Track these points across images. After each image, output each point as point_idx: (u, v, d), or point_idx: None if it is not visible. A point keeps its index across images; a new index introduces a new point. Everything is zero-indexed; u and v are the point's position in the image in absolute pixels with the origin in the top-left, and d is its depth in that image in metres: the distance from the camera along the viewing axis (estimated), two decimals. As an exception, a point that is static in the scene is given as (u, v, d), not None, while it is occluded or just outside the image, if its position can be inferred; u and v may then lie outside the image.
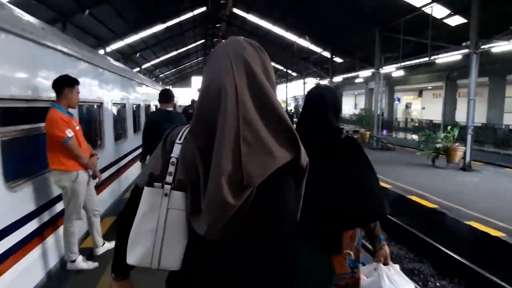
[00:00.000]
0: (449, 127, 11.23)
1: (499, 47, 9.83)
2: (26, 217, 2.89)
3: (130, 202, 1.00)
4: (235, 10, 20.32)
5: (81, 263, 3.31)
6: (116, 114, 6.28)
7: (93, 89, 4.82)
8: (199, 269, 0.91)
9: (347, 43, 18.51)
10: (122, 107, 6.74)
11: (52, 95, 3.10)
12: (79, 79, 3.28)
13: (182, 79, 45.68)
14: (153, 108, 9.93)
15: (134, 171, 7.36)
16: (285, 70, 28.65)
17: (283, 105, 27.96)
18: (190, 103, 12.40)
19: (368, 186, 1.66)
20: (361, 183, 1.65)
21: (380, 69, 15.11)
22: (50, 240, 3.28)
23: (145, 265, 0.90)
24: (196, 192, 0.87)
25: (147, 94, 9.67)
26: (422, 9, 11.95)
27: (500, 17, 10.53)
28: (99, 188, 4.54)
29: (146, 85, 9.91)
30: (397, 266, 1.83)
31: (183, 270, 0.91)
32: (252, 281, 0.89)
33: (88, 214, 3.52)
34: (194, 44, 28.93)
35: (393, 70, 15.84)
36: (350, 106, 36.62)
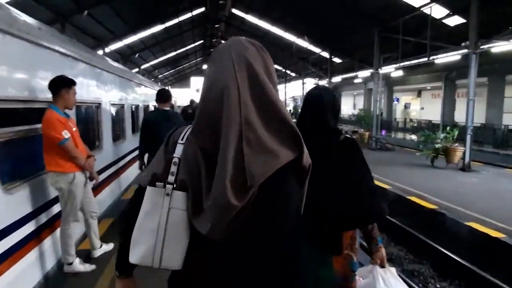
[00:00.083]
0: (448, 128, 11.23)
1: (499, 47, 9.83)
2: (22, 219, 2.86)
3: (134, 201, 1.01)
4: (234, 11, 20.32)
5: (78, 265, 3.27)
6: (114, 114, 6.25)
7: (91, 89, 4.79)
8: (200, 268, 0.92)
9: (346, 44, 18.52)
10: (120, 108, 6.71)
11: (49, 96, 3.07)
12: (77, 80, 3.26)
13: (181, 80, 45.64)
14: (152, 109, 9.90)
15: (132, 172, 7.33)
16: (284, 70, 28.65)
17: (282, 105, 27.87)
18: (189, 103, 12.37)
19: (366, 187, 1.67)
20: (359, 184, 1.66)
21: (379, 69, 15.11)
22: (47, 242, 3.24)
23: (147, 264, 0.90)
24: (198, 192, 0.87)
25: (145, 94, 9.64)
26: (421, 9, 11.96)
27: (499, 17, 10.55)
28: (97, 189, 4.52)
29: (145, 86, 9.89)
30: (393, 269, 1.82)
31: (184, 270, 0.92)
32: (253, 281, 0.89)
33: (85, 216, 3.49)
34: (193, 45, 28.92)
35: (392, 70, 15.84)
36: (349, 106, 36.64)
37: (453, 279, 4.93)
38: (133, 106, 7.92)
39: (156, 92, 4.78)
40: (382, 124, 18.29)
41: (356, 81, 23.00)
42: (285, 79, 29.59)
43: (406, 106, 30.10)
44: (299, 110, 1.97)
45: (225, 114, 0.85)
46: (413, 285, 4.50)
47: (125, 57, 20.14)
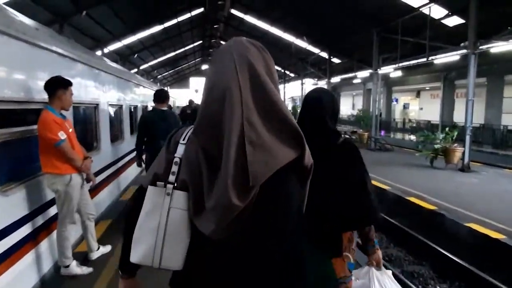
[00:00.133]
0: (447, 128, 11.22)
1: (498, 47, 9.82)
2: (18, 221, 2.83)
3: (136, 201, 1.02)
4: (233, 11, 20.30)
5: (75, 268, 3.24)
6: (112, 115, 6.22)
7: (88, 90, 4.76)
8: (201, 268, 0.92)
9: (345, 44, 18.52)
10: (118, 109, 6.68)
11: (45, 96, 3.04)
12: (74, 80, 3.23)
13: (180, 80, 45.60)
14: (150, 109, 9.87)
15: (131, 173, 7.30)
16: (283, 71, 28.64)
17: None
18: (187, 104, 12.33)
19: (365, 188, 1.69)
20: (358, 185, 1.68)
21: (378, 69, 15.11)
22: (43, 244, 3.21)
23: (147, 263, 0.91)
24: (199, 192, 0.87)
25: (144, 95, 9.61)
26: (420, 9, 11.96)
27: (498, 17, 10.54)
28: (95, 190, 4.49)
29: (144, 86, 9.85)
30: (389, 272, 1.84)
31: (185, 270, 0.92)
32: (254, 281, 0.89)
33: (82, 218, 3.45)
34: (192, 45, 28.90)
35: (391, 70, 15.84)
36: (348, 106, 36.69)
37: (453, 280, 4.91)
38: (132, 107, 7.89)
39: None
40: (381, 125, 18.27)
41: (355, 81, 23.00)
42: (284, 79, 29.58)
43: (405, 107, 30.15)
44: (298, 110, 1.98)
45: (227, 115, 0.85)
46: (413, 286, 4.48)
47: (124, 57, 20.11)
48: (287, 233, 0.90)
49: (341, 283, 1.73)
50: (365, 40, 15.21)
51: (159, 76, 36.08)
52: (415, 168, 10.46)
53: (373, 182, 8.31)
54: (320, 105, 1.76)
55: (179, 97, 27.81)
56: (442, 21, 12.50)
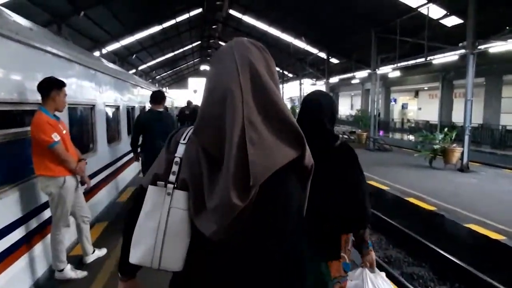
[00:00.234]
0: (446, 129, 11.20)
1: (496, 47, 9.82)
2: (12, 224, 2.78)
3: (135, 201, 1.01)
4: (231, 12, 20.27)
5: (70, 272, 3.18)
6: (109, 116, 6.17)
7: (84, 91, 4.71)
8: (201, 269, 0.91)
9: (343, 44, 18.52)
10: (115, 109, 6.63)
11: (39, 97, 2.99)
12: (70, 81, 3.18)
13: (179, 81, 45.56)
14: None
15: (129, 174, 7.25)
16: (281, 71, 28.63)
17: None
18: (186, 104, 12.29)
19: (362, 189, 1.73)
20: (356, 186, 1.72)
21: (376, 70, 15.10)
22: (37, 248, 3.16)
23: (146, 264, 0.91)
24: (199, 192, 0.87)
25: (142, 96, 9.56)
26: (418, 9, 11.95)
27: (496, 17, 10.53)
28: (91, 192, 4.45)
29: (141, 87, 9.80)
30: (383, 273, 1.87)
31: (185, 271, 0.91)
32: (254, 281, 0.89)
33: (77, 221, 3.40)
34: (190, 46, 28.88)
35: (390, 71, 15.83)
36: (346, 107, 36.70)
37: (453, 282, 4.87)
38: (129, 108, 7.84)
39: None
40: (380, 125, 18.25)
41: (353, 81, 22.97)
42: (283, 80, 29.57)
43: (404, 107, 30.15)
44: (297, 110, 1.97)
45: (228, 115, 0.85)
46: (413, 288, 4.45)
47: (122, 58, 20.06)
48: (287, 233, 0.90)
49: (335, 282, 1.77)
50: (363, 40, 15.21)
51: (157, 77, 36.03)
52: (414, 169, 10.44)
53: (372, 183, 8.33)
54: (319, 108, 1.78)
55: (177, 98, 27.75)
56: (441, 21, 12.50)
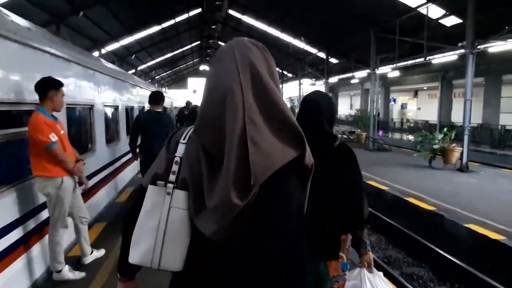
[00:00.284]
0: (445, 129, 11.19)
1: (495, 47, 9.81)
2: (9, 225, 2.77)
3: (135, 201, 1.00)
4: (231, 12, 20.26)
5: (68, 273, 3.16)
6: (108, 116, 6.16)
7: (83, 91, 4.70)
8: (201, 269, 0.91)
9: (342, 44, 18.54)
10: (114, 109, 6.61)
11: (37, 97, 2.97)
12: (68, 81, 3.17)
13: (178, 81, 45.55)
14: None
15: (128, 174, 7.23)
16: (280, 71, 28.63)
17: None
18: (185, 105, 12.27)
19: (360, 189, 1.75)
20: (354, 186, 1.73)
21: (376, 69, 15.10)
22: (35, 249, 3.14)
23: (146, 264, 0.90)
24: (199, 191, 0.87)
25: (141, 96, 9.54)
26: (418, 9, 11.95)
27: (496, 17, 10.53)
28: (90, 192, 4.43)
29: (140, 87, 9.78)
30: (380, 273, 1.89)
31: (185, 271, 0.91)
32: (254, 281, 0.88)
33: (75, 222, 3.38)
34: (189, 46, 28.86)
35: (389, 70, 15.84)
36: (345, 106, 36.70)
37: (453, 282, 4.86)
38: (128, 108, 7.82)
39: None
40: (379, 125, 18.24)
41: (352, 81, 22.97)
42: (282, 79, 29.57)
43: (403, 107, 30.14)
44: (296, 110, 1.98)
45: (228, 115, 0.85)
46: (412, 289, 4.44)
47: (122, 58, 20.03)
48: (287, 233, 0.90)
49: (334, 282, 1.78)
50: (363, 40, 15.21)
51: (157, 77, 36.01)
52: (414, 168, 10.43)
53: (371, 183, 8.33)
54: (318, 109, 1.78)
55: (177, 98, 27.71)
56: (440, 21, 12.51)
